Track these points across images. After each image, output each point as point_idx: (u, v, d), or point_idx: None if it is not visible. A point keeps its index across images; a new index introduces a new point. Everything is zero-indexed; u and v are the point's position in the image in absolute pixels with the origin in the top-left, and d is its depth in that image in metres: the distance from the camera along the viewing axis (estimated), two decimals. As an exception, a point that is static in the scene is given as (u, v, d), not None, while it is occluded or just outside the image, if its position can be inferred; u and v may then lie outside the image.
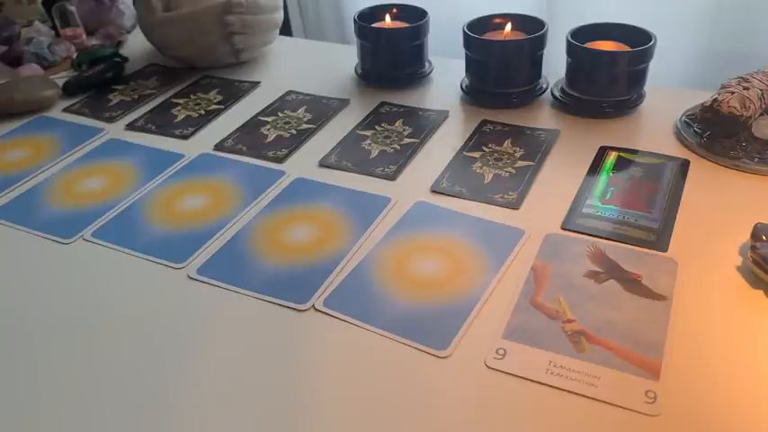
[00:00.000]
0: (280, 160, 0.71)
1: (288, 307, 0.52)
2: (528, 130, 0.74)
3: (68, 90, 0.88)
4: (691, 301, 0.50)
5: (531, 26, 0.77)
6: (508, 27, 0.79)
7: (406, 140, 0.73)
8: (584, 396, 0.44)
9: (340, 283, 0.54)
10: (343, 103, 0.82)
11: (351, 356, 0.48)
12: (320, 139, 0.75)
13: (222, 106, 0.83)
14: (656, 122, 0.74)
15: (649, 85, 0.76)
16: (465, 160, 0.69)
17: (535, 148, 0.70)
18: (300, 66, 0.94)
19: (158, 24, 0.89)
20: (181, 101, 0.85)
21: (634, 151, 0.69)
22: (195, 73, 0.92)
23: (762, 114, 0.68)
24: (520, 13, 0.80)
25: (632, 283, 0.52)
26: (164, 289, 0.55)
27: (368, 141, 0.73)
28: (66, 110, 0.85)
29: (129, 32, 1.06)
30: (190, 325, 0.52)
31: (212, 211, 0.64)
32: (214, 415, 0.44)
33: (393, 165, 0.69)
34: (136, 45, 1.01)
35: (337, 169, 0.69)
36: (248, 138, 0.76)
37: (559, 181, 0.65)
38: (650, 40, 0.71)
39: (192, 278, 0.56)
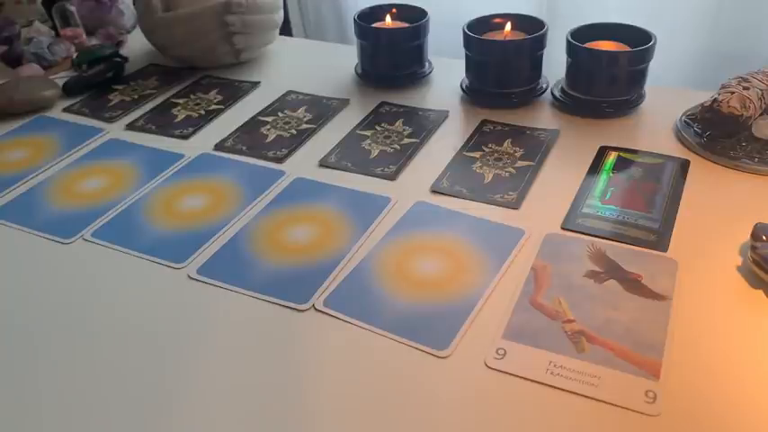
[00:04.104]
0: (280, 160, 0.71)
1: (288, 307, 0.52)
2: (528, 130, 0.74)
3: (68, 90, 0.88)
4: (691, 301, 0.50)
5: (531, 26, 0.77)
6: (508, 27, 0.79)
7: (406, 140, 0.73)
8: (584, 396, 0.44)
9: (340, 283, 0.54)
10: (343, 103, 0.82)
11: (351, 356, 0.48)
12: (320, 139, 0.75)
13: (222, 106, 0.83)
14: (656, 122, 0.74)
15: (649, 85, 0.76)
16: (465, 160, 0.69)
17: (535, 148, 0.70)
18: (300, 66, 0.94)
19: (158, 24, 0.89)
20: (181, 101, 0.85)
21: (634, 151, 0.69)
22: (195, 73, 0.92)
23: (762, 114, 0.68)
24: (520, 13, 0.80)
25: (632, 283, 0.52)
26: (164, 289, 0.55)
27: (368, 141, 0.73)
28: (66, 110, 0.85)
29: (129, 32, 1.06)
30: (190, 325, 0.52)
31: (212, 211, 0.64)
32: (214, 414, 0.44)
33: (393, 165, 0.69)
34: (136, 45, 1.01)
35: (337, 169, 0.69)
36: (248, 138, 0.76)
37: (559, 181, 0.65)
38: (650, 40, 0.71)
39: (192, 278, 0.56)
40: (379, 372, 0.47)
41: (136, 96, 0.87)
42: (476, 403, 0.44)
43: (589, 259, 0.55)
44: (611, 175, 0.65)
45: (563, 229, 0.59)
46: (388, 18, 0.85)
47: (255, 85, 0.88)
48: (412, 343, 0.48)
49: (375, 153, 0.71)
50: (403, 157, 0.70)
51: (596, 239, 0.57)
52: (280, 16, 0.93)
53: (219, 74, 0.92)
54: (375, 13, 0.85)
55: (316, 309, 0.52)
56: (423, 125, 0.76)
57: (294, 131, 0.77)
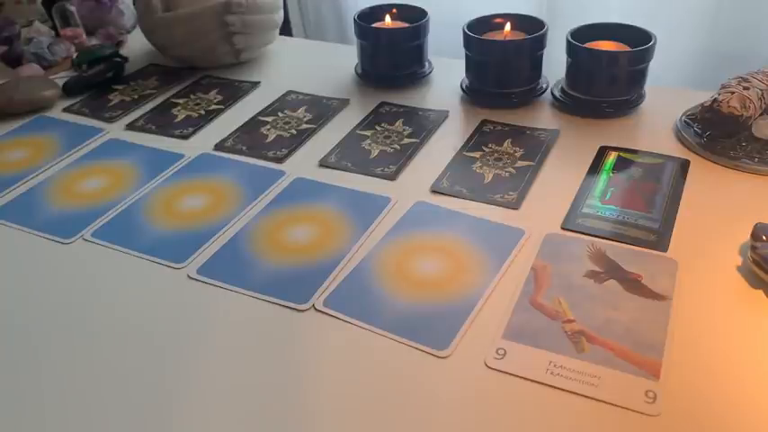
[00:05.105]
0: (280, 160, 0.71)
1: (288, 307, 0.52)
2: (528, 130, 0.74)
3: (68, 90, 0.88)
4: (691, 301, 0.50)
5: (531, 26, 0.77)
6: (508, 27, 0.79)
7: (406, 140, 0.73)
8: (584, 396, 0.44)
9: (340, 283, 0.54)
10: (343, 103, 0.82)
11: (351, 356, 0.48)
12: (320, 139, 0.75)
13: (222, 106, 0.83)
14: (656, 122, 0.74)
15: (649, 85, 0.76)
16: (465, 160, 0.69)
17: (535, 148, 0.70)
18: (300, 66, 0.94)
19: (158, 24, 0.89)
20: (181, 101, 0.85)
21: (634, 151, 0.69)
22: (195, 73, 0.92)
23: (762, 114, 0.68)
24: (520, 13, 0.80)
25: (632, 283, 0.52)
26: (164, 289, 0.55)
27: (368, 141, 0.74)
28: (66, 110, 0.85)
29: (129, 32, 1.06)
30: (190, 325, 0.52)
31: (212, 211, 0.64)
32: (214, 415, 0.44)
33: (393, 165, 0.69)
34: (136, 45, 1.01)
35: (337, 169, 0.69)
36: (248, 138, 0.76)
37: (559, 181, 0.65)
38: (650, 40, 0.71)
39: (191, 278, 0.56)
40: (379, 372, 0.47)
41: (136, 96, 0.87)
42: (476, 403, 0.44)
43: (589, 259, 0.55)
44: (611, 175, 0.65)
45: (563, 229, 0.59)
46: (387, 18, 0.85)
47: (255, 85, 0.88)
48: (412, 343, 0.48)
49: (375, 153, 0.71)
50: (403, 157, 0.70)
51: (596, 239, 0.57)
52: (280, 16, 0.93)
53: (219, 74, 0.92)
54: (375, 13, 0.85)
55: (316, 309, 0.52)
56: (423, 125, 0.76)
57: (294, 131, 0.77)
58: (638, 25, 0.74)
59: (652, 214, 0.59)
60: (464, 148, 0.71)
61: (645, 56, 0.72)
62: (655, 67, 0.74)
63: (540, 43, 0.76)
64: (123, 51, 0.97)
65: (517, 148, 0.70)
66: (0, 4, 1.08)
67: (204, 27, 0.87)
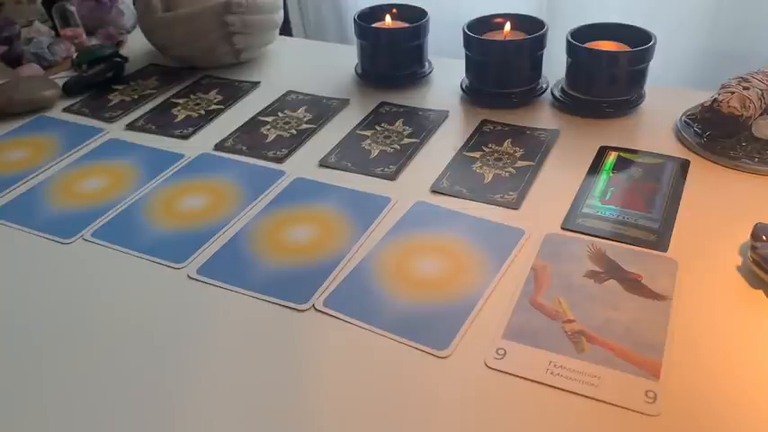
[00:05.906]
0: (280, 160, 0.71)
1: (288, 307, 0.52)
2: (528, 130, 0.74)
3: (68, 90, 0.88)
4: (691, 301, 0.50)
5: (531, 26, 0.77)
6: (508, 27, 0.79)
7: (406, 140, 0.73)
8: (584, 396, 0.44)
9: (340, 283, 0.54)
10: (343, 103, 0.82)
11: (351, 356, 0.48)
12: (320, 139, 0.75)
13: (222, 106, 0.83)
14: (656, 122, 0.74)
15: (649, 85, 0.76)
16: (465, 160, 0.69)
17: (535, 148, 0.70)
18: (300, 66, 0.94)
19: (158, 24, 0.89)
20: (181, 101, 0.85)
21: (634, 151, 0.69)
22: (195, 73, 0.92)
23: (762, 114, 0.68)
24: (520, 13, 0.80)
25: (632, 283, 0.52)
26: (164, 289, 0.55)
27: (368, 141, 0.74)
28: (66, 110, 0.85)
29: (129, 32, 1.06)
30: (190, 325, 0.52)
31: (212, 211, 0.64)
32: (214, 415, 0.44)
33: (393, 165, 0.69)
34: (136, 45, 1.01)
35: (337, 169, 0.69)
36: (248, 138, 0.76)
37: (559, 181, 0.65)
38: (650, 40, 0.71)
39: (191, 278, 0.56)
40: (379, 372, 0.47)
41: (136, 96, 0.87)
42: (476, 403, 0.44)
43: (589, 259, 0.55)
44: (611, 175, 0.65)
45: (563, 229, 0.59)
46: (388, 18, 0.85)
47: (255, 85, 0.88)
48: (412, 343, 0.48)
49: (375, 153, 0.71)
50: (403, 157, 0.70)
51: (596, 239, 0.57)
52: (280, 16, 0.93)
53: (219, 74, 0.92)
54: (375, 13, 0.85)
55: (316, 309, 0.52)
56: (423, 125, 0.76)
57: (294, 131, 0.77)
58: (638, 25, 0.75)
59: (652, 214, 0.59)
60: (464, 148, 0.71)
61: (645, 56, 0.72)
62: (655, 67, 0.74)
63: (540, 43, 0.76)
64: (123, 51, 0.97)
65: (517, 148, 0.70)
66: (0, 4, 1.08)
67: (204, 27, 0.87)
